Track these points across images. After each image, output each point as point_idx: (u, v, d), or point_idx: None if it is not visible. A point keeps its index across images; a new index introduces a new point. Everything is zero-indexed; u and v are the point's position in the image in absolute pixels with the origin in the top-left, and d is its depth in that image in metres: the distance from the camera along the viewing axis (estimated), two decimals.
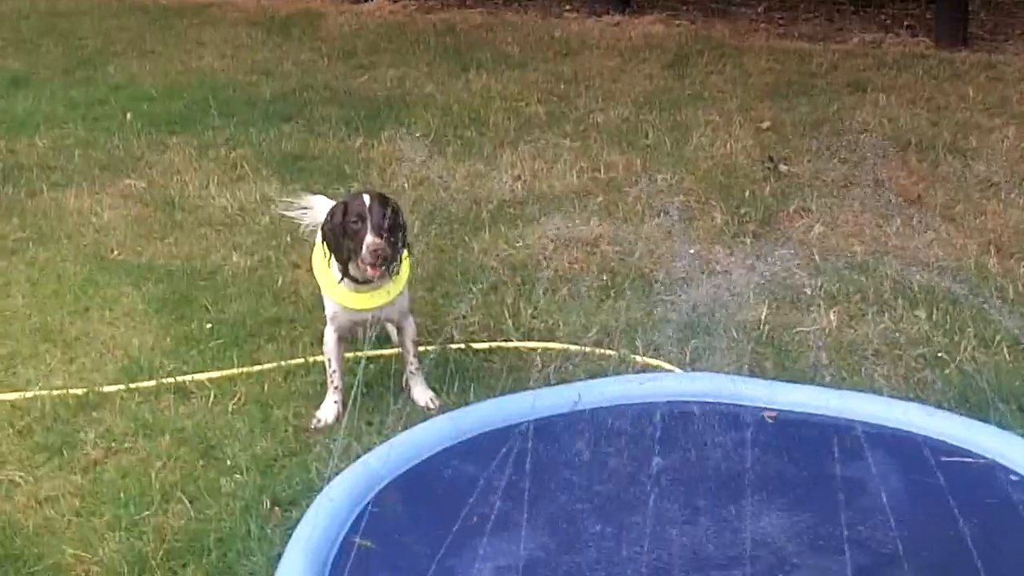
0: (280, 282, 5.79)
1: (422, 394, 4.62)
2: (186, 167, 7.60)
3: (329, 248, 4.38)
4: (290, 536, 3.62)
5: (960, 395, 4.49)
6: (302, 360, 4.89)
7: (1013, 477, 3.96)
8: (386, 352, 4.92)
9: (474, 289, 5.61)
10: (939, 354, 4.86)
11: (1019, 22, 11.35)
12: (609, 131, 8.19)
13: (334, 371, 4.52)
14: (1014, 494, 3.87)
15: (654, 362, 4.88)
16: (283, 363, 4.87)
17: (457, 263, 5.97)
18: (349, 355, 4.73)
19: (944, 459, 4.07)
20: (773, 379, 4.64)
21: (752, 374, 4.69)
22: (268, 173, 7.49)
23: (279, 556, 3.55)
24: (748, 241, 6.18)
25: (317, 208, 5.03)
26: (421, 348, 4.82)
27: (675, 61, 10.05)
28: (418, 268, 5.88)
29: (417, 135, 8.19)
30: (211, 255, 6.18)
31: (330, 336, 4.52)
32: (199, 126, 8.50)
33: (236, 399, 4.59)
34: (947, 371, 4.74)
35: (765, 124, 8.18)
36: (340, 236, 4.31)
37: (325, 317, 4.56)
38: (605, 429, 4.25)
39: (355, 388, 4.39)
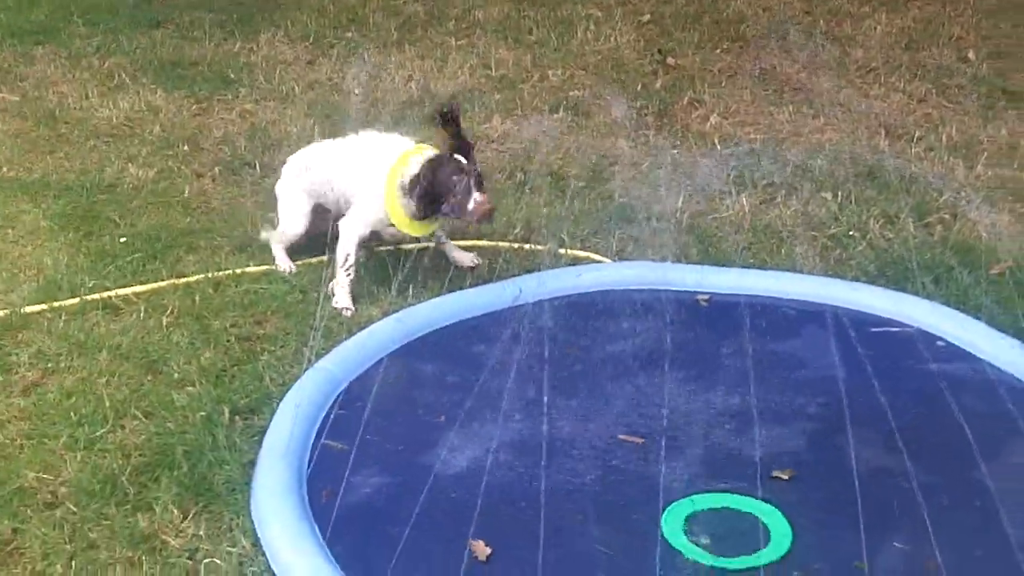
0: (187, 192, 5.64)
1: (463, 255, 4.85)
2: (60, 78, 7.26)
3: (425, 203, 4.44)
4: (260, 443, 3.63)
5: (878, 270, 4.71)
6: (230, 271, 4.80)
7: (940, 343, 4.22)
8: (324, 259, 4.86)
9: None
10: (850, 232, 5.07)
11: None
12: (492, 28, 8.14)
13: (351, 265, 4.60)
14: (940, 360, 4.13)
15: (583, 254, 4.95)
16: (211, 275, 4.77)
17: None
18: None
19: (872, 330, 4.31)
20: (700, 264, 4.78)
21: (679, 260, 4.82)
22: (148, 81, 7.21)
23: (252, 463, 3.55)
24: (650, 134, 6.28)
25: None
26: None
27: None
28: None
29: (296, 37, 7.99)
30: (106, 168, 5.95)
31: (356, 239, 4.63)
32: (64, 35, 8.10)
33: (169, 312, 4.49)
34: (860, 248, 4.95)
35: (646, 18, 8.25)
36: (438, 192, 4.42)
37: (358, 221, 4.65)
38: (549, 319, 4.35)
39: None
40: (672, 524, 3.33)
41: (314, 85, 7.16)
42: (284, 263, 4.89)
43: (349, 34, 8.13)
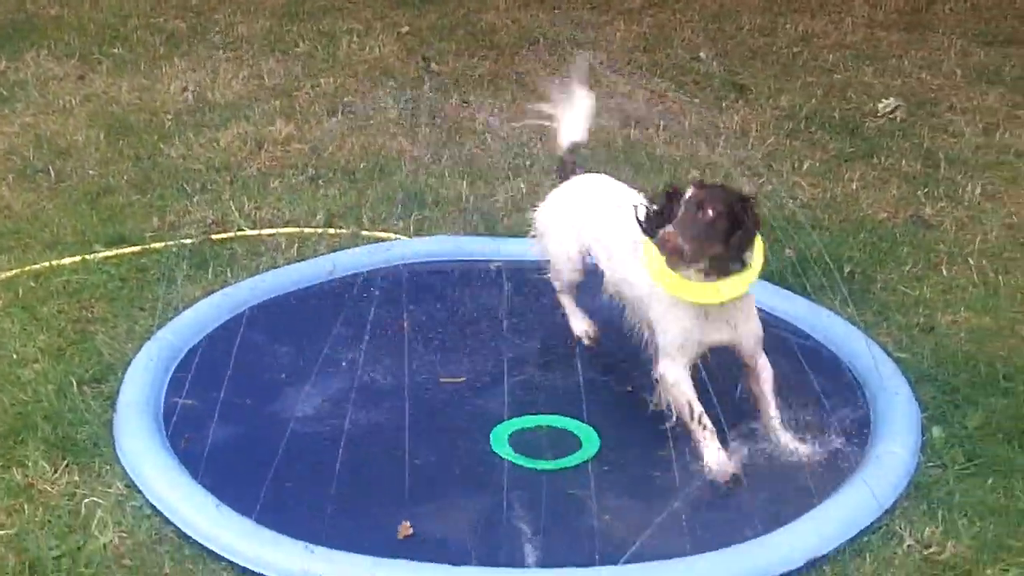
0: None
1: (784, 435, 3.76)
2: None
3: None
4: (113, 406, 3.90)
5: None
6: (47, 264, 4.97)
7: None
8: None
9: (188, 189, 5.85)
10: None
11: None
12: (258, 42, 8.46)
13: (700, 412, 3.68)
14: None
15: (384, 234, 5.39)
16: (27, 268, 4.93)
17: (162, 169, 6.14)
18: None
19: None
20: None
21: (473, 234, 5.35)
22: None
23: (109, 423, 3.82)
24: (427, 131, 6.77)
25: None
26: (161, 244, 5.13)
27: None
28: (123, 177, 6.04)
29: (62, 55, 8.06)
30: None
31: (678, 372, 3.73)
32: None
33: None
34: None
35: (405, 29, 8.76)
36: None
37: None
38: (362, 290, 4.78)
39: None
40: (497, 440, 3.84)
41: (90, 97, 7.28)
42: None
43: (115, 50, 8.25)
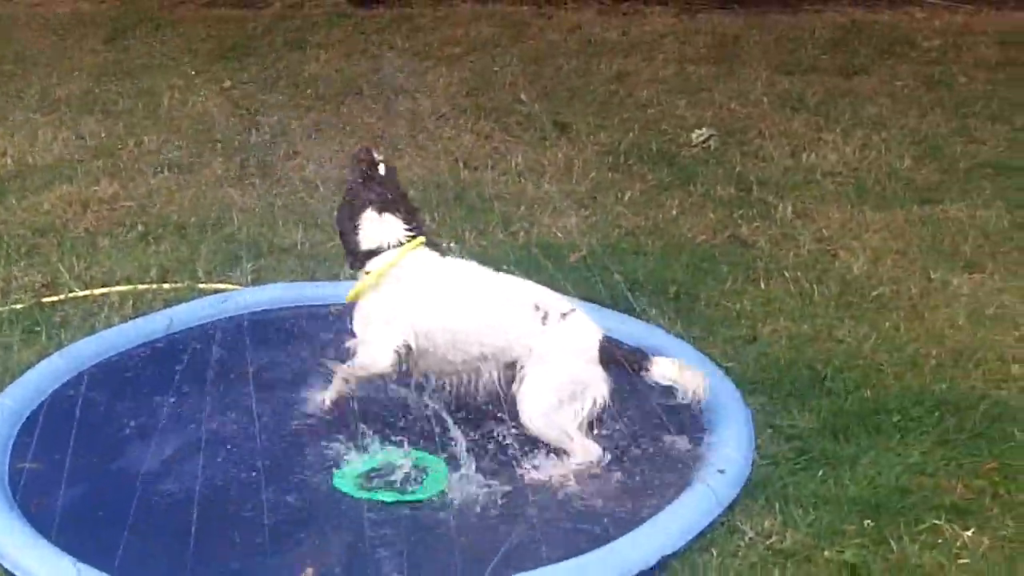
0: None
1: None
2: None
3: None
4: None
5: None
6: None
7: None
8: None
9: (13, 254, 5.73)
10: (450, 244, 5.81)
11: None
12: (76, 103, 8.35)
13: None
14: None
15: (222, 286, 5.38)
16: None
17: None
18: None
19: None
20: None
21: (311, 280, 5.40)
22: None
23: None
24: (256, 182, 6.78)
25: None
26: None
27: (114, 35, 10.26)
28: None
29: None
30: None
31: None
32: None
33: None
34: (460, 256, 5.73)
35: (227, 83, 8.77)
36: None
37: None
38: (202, 342, 4.77)
39: None
40: (342, 479, 3.91)
41: None
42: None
43: None
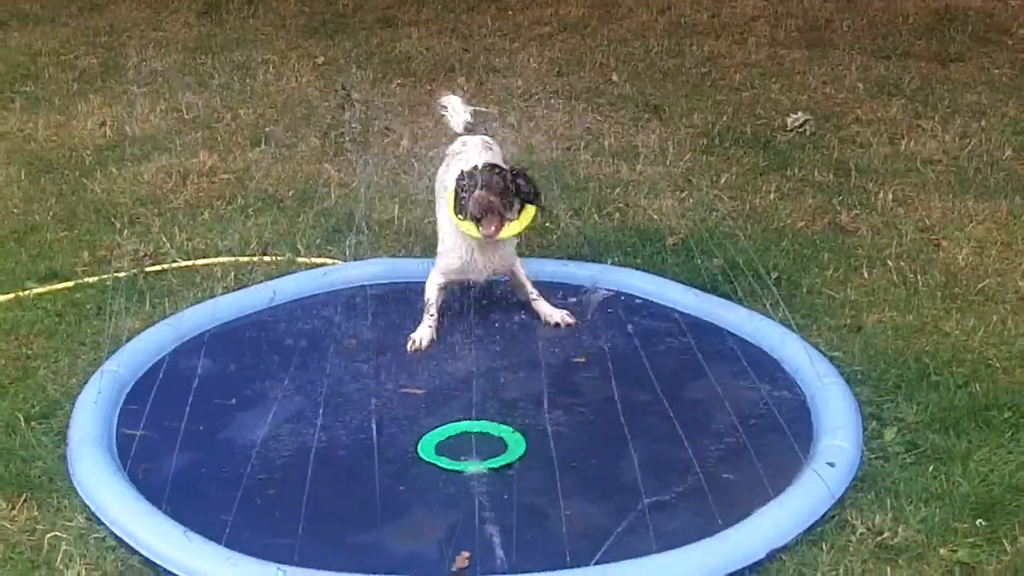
0: None
1: (555, 312, 4.83)
2: None
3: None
4: (64, 440, 3.87)
5: (575, 251, 5.48)
6: None
7: (637, 300, 5.02)
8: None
9: (116, 224, 5.82)
10: (547, 224, 5.81)
11: None
12: (173, 76, 8.43)
13: (431, 303, 4.75)
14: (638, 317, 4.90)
15: (319, 260, 5.41)
16: None
17: (87, 204, 6.10)
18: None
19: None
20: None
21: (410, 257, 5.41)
22: None
23: (62, 457, 3.79)
24: (352, 158, 6.81)
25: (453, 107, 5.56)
26: (94, 279, 5.10)
27: (207, 8, 10.34)
28: (48, 213, 5.99)
29: None
30: None
31: (435, 284, 4.79)
32: None
33: None
34: (557, 236, 5.71)
35: (320, 60, 8.81)
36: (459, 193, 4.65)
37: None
38: (305, 314, 4.82)
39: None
40: (425, 446, 3.93)
41: (5, 136, 7.21)
42: None
43: (27, 88, 8.18)
